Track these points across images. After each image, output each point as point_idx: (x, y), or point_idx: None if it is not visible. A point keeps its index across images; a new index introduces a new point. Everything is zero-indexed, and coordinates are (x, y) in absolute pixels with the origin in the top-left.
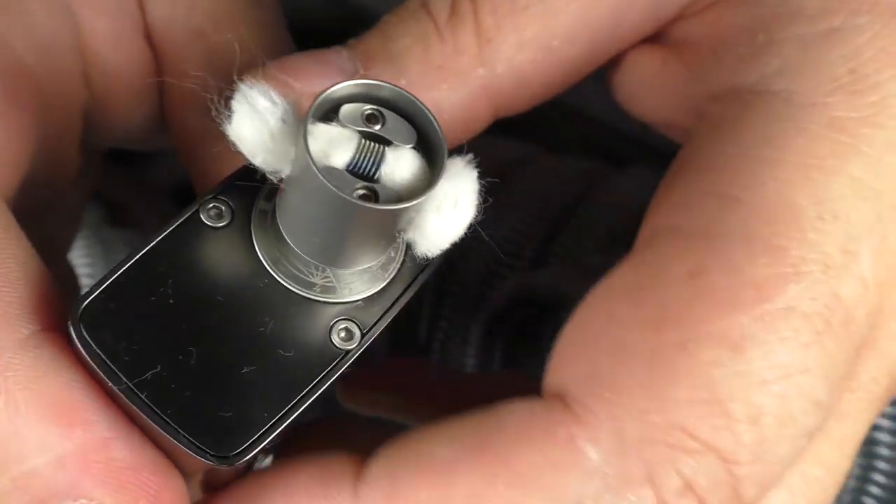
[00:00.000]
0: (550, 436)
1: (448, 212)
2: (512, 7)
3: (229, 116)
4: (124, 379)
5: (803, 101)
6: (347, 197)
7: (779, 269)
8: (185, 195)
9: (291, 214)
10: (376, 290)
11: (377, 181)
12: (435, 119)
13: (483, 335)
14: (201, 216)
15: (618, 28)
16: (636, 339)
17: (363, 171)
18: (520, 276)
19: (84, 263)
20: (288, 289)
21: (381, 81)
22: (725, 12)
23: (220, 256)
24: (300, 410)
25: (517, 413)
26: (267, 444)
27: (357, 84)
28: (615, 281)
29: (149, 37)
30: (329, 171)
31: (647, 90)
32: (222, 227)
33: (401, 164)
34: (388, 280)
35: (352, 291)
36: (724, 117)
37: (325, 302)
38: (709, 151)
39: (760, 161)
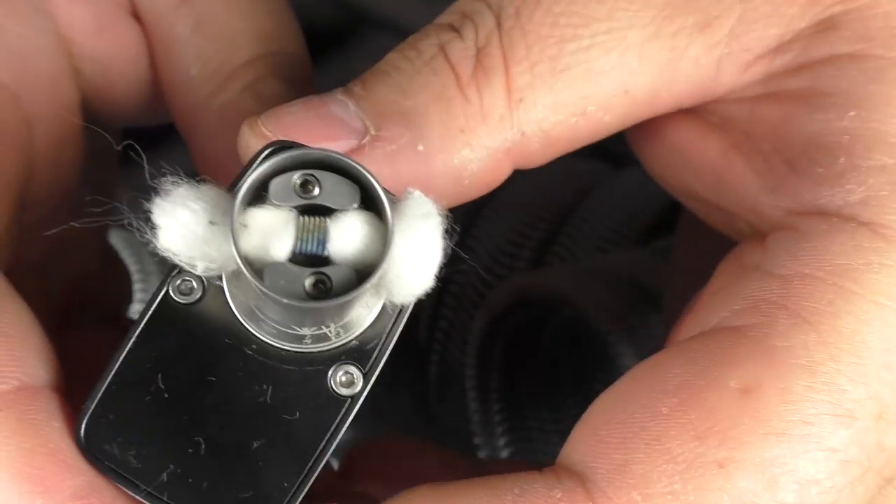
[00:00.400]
0: None
1: (409, 275)
2: (552, 66)
3: (154, 233)
4: (142, 486)
5: (891, 237)
6: (295, 303)
7: (834, 410)
8: None
9: (253, 302)
10: (369, 322)
11: (328, 259)
12: (374, 179)
13: (483, 335)
14: (172, 296)
15: (656, 98)
16: (677, 444)
17: (310, 254)
18: (520, 276)
19: None
20: (277, 348)
21: (307, 148)
22: (795, 117)
23: (203, 333)
24: (318, 470)
25: (536, 493)
26: None
27: (282, 159)
28: (664, 371)
29: (135, 13)
30: (273, 270)
31: (699, 178)
32: (196, 301)
33: (346, 236)
34: (380, 306)
35: (344, 332)
36: (807, 235)
37: (318, 352)
38: (788, 266)
39: (840, 292)
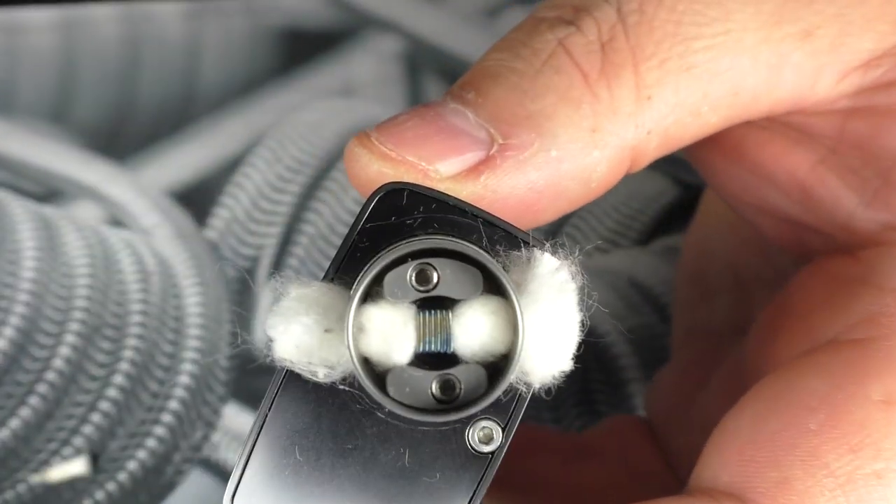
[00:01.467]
0: None
1: (543, 363)
2: (679, 64)
3: (270, 344)
4: None
5: None
6: (423, 418)
7: None
8: (185, 195)
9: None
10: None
11: (454, 356)
12: (497, 267)
13: None
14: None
15: (756, 102)
16: (833, 458)
17: (433, 353)
18: None
19: (84, 264)
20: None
21: (418, 239)
22: (885, 132)
23: (333, 400)
24: None
25: None
26: None
27: (397, 254)
28: (801, 388)
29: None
30: (397, 376)
31: (784, 195)
32: None
33: (472, 332)
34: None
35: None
36: None
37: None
38: None
39: None
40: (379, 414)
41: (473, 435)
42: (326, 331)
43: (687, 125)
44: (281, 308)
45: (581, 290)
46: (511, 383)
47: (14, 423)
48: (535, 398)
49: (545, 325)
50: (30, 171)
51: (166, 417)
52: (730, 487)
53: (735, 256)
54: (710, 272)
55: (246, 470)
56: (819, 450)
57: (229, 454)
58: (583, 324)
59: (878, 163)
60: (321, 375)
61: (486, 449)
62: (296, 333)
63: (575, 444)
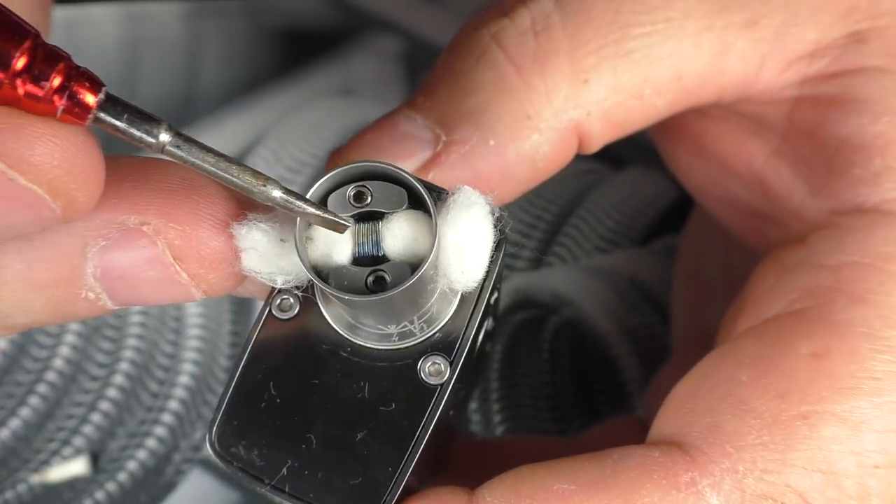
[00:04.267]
0: (671, 477)
1: (459, 262)
2: (616, 49)
3: (238, 257)
4: (267, 480)
5: None
6: (354, 297)
7: None
8: None
9: (342, 309)
10: (449, 315)
11: (385, 258)
12: (412, 178)
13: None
14: (274, 314)
15: (703, 87)
16: (760, 402)
17: (369, 255)
18: (520, 277)
19: None
20: (370, 349)
21: (353, 162)
22: (829, 121)
23: (303, 343)
24: (419, 453)
25: (634, 456)
26: (401, 492)
27: (331, 177)
28: (738, 350)
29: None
30: (337, 273)
31: (744, 186)
32: (296, 316)
33: (397, 234)
34: (457, 300)
35: (428, 326)
36: (849, 230)
37: (406, 347)
38: (835, 257)
39: (886, 274)
40: (342, 353)
41: (424, 369)
42: (282, 240)
43: (631, 108)
44: (245, 220)
45: (496, 216)
46: (436, 285)
47: (14, 423)
48: (536, 403)
49: (460, 232)
50: None
51: (166, 417)
52: (671, 437)
53: (728, 257)
54: (706, 273)
55: (225, 403)
56: (749, 397)
57: None
58: (497, 241)
59: (824, 151)
60: (280, 282)
61: (435, 381)
62: (256, 238)
63: (573, 449)
